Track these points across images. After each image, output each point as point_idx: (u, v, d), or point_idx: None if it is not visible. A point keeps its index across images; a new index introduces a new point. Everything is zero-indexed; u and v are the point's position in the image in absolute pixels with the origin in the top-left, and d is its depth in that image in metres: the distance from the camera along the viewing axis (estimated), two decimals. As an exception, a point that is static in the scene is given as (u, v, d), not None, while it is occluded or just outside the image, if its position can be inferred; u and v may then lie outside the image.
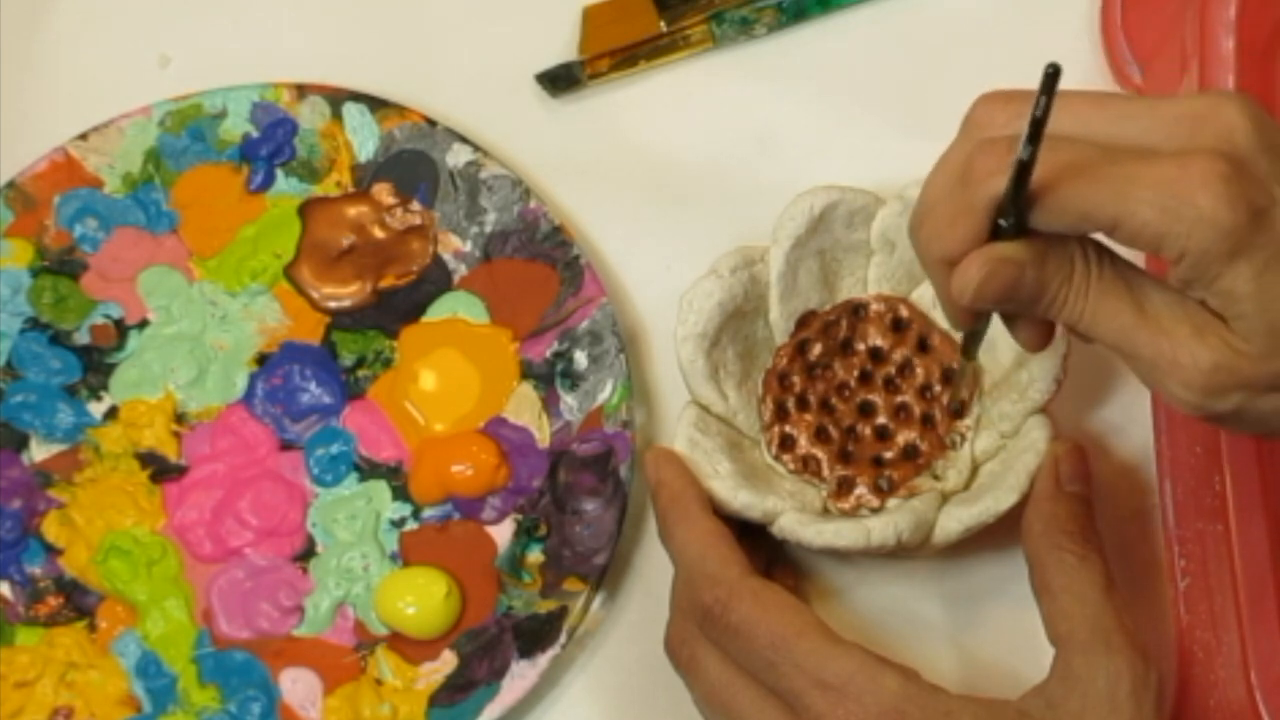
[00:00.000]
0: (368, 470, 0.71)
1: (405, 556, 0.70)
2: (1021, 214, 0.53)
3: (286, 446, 0.71)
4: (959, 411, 0.67)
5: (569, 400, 0.71)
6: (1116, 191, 0.52)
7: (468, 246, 0.73)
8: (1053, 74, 0.51)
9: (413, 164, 0.74)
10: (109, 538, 0.70)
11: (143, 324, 0.73)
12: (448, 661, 0.68)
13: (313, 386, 0.72)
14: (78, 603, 0.69)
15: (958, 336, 0.67)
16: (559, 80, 0.76)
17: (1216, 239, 0.51)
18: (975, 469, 0.67)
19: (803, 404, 0.68)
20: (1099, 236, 0.55)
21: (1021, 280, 0.54)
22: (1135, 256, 0.56)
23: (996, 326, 0.60)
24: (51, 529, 0.70)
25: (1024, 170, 0.52)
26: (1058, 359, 0.65)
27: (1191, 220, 0.51)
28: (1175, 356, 0.54)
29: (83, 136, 0.75)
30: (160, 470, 0.71)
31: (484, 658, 0.68)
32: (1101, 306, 0.55)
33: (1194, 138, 0.53)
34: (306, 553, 0.70)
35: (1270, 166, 0.53)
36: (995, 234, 0.54)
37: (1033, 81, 0.51)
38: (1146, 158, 0.53)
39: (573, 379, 0.71)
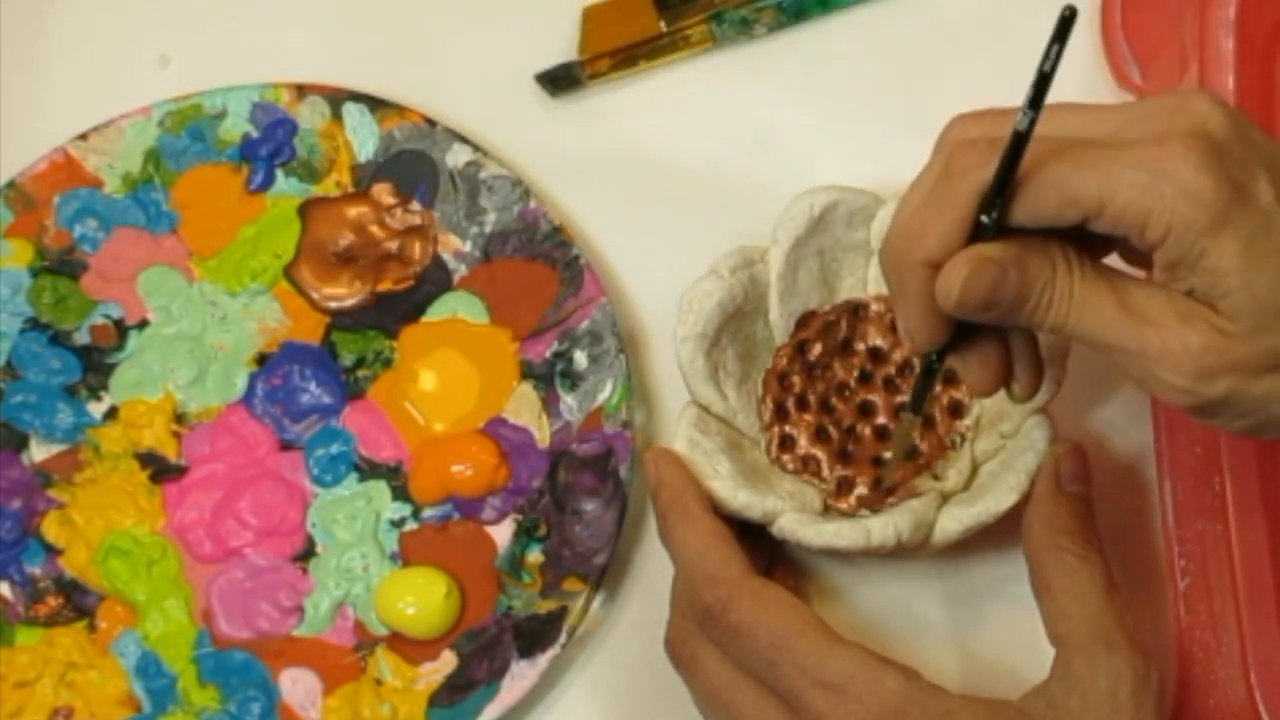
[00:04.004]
0: (368, 470, 0.71)
1: (405, 556, 0.70)
2: (1008, 200, 0.53)
3: (286, 446, 0.71)
4: (958, 411, 0.67)
5: (569, 400, 0.71)
6: (1099, 173, 0.52)
7: (468, 246, 0.73)
8: (1069, 17, 0.50)
9: (412, 164, 0.74)
10: (109, 538, 0.70)
11: (143, 324, 0.73)
12: (448, 661, 0.68)
13: (313, 386, 0.72)
14: (78, 603, 0.69)
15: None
16: (559, 80, 0.76)
17: (1200, 211, 0.52)
18: (975, 469, 0.67)
19: (802, 404, 0.68)
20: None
21: (1005, 282, 0.54)
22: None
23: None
24: (51, 529, 0.70)
25: (1020, 143, 0.52)
26: (1058, 359, 0.65)
27: (1174, 194, 0.52)
28: (1164, 344, 0.53)
29: (83, 136, 0.75)
30: (160, 470, 0.71)
31: (484, 658, 0.68)
32: (1086, 305, 0.55)
33: (1169, 126, 0.53)
34: (306, 553, 0.70)
35: (1245, 152, 0.53)
36: (975, 238, 0.54)
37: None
38: (1125, 144, 0.53)
39: (573, 379, 0.71)
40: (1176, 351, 0.53)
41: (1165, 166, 0.52)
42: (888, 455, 0.67)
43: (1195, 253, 0.52)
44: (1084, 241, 0.55)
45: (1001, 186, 0.53)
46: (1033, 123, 0.52)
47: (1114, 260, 0.57)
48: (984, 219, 0.54)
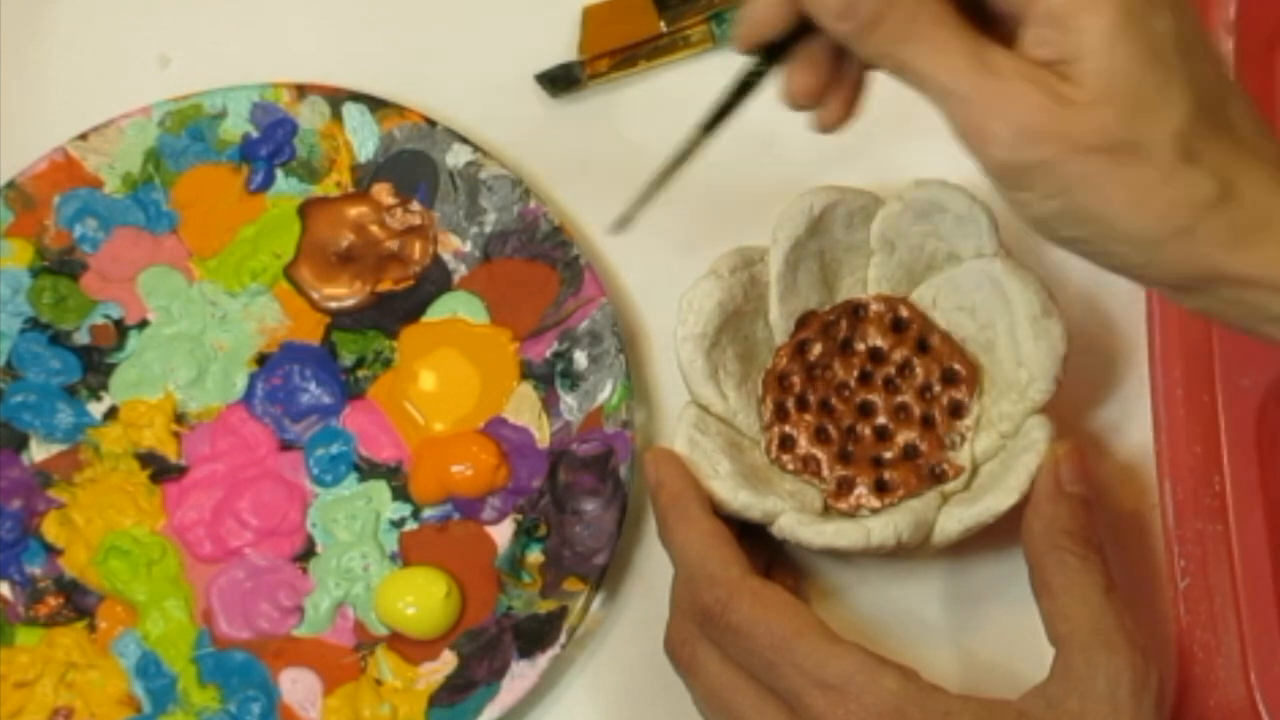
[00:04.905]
0: (368, 470, 0.71)
1: (405, 556, 0.70)
2: None
3: (286, 446, 0.71)
4: (958, 411, 0.67)
5: (569, 400, 0.71)
6: None
7: (468, 246, 0.73)
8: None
9: (412, 164, 0.74)
10: (109, 538, 0.70)
11: (143, 324, 0.73)
12: (448, 661, 0.68)
13: (313, 386, 0.72)
14: (78, 603, 0.69)
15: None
16: (559, 80, 0.76)
17: None
18: (975, 469, 0.67)
19: (802, 404, 0.68)
20: None
21: None
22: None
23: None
24: (51, 529, 0.70)
25: None
26: (1058, 359, 0.65)
27: None
28: (1002, 92, 0.52)
29: (83, 136, 0.75)
30: (160, 470, 0.71)
31: (484, 658, 0.68)
32: (939, 44, 0.53)
33: None
34: (306, 553, 0.70)
35: None
36: None
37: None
38: None
39: (573, 379, 0.71)
40: (1012, 102, 0.52)
41: None
42: (888, 455, 0.67)
43: (1077, 4, 0.51)
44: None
45: None
46: None
47: None
48: None
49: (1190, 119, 0.52)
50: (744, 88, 0.59)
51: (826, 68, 0.57)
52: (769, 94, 0.76)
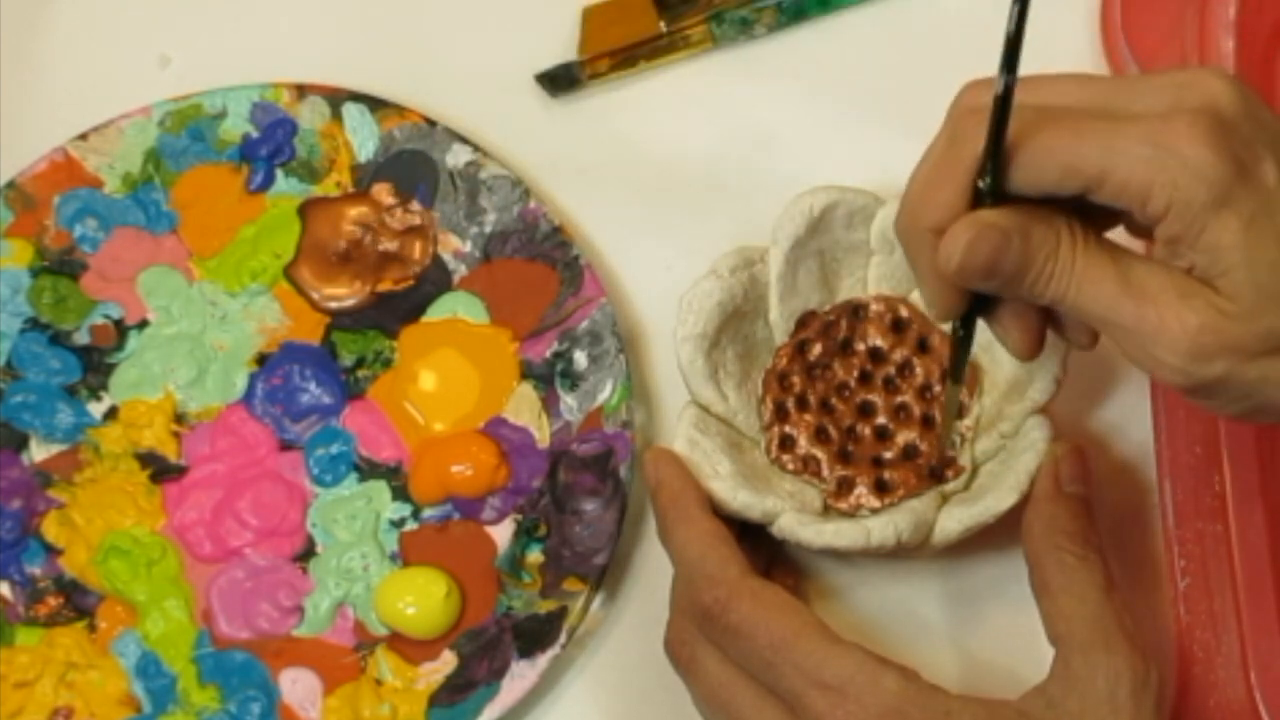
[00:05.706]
0: (368, 470, 0.71)
1: (405, 556, 0.70)
2: (1002, 161, 0.53)
3: (286, 446, 0.71)
4: (958, 412, 0.67)
5: (569, 400, 0.71)
6: (1102, 144, 0.52)
7: (467, 246, 0.73)
8: None
9: (412, 164, 0.74)
10: (109, 538, 0.70)
11: (143, 324, 0.73)
12: (447, 661, 0.68)
13: (312, 386, 0.72)
14: (78, 603, 0.69)
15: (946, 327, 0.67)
16: (559, 80, 0.76)
17: (1203, 188, 0.52)
18: (975, 469, 0.67)
19: (802, 404, 0.68)
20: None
21: (1007, 248, 0.54)
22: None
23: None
24: (51, 529, 0.70)
25: (1003, 105, 0.52)
26: (1058, 359, 0.65)
27: (1177, 169, 0.52)
28: (1161, 320, 0.53)
29: (83, 136, 0.75)
30: (160, 470, 0.71)
31: (484, 658, 0.68)
32: (1087, 278, 0.54)
33: (1178, 102, 0.53)
34: (306, 553, 0.70)
35: (1253, 132, 0.53)
36: (977, 205, 0.54)
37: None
38: (1131, 117, 0.53)
39: (573, 379, 0.71)
40: (1174, 330, 0.53)
41: (1169, 141, 0.52)
42: (888, 455, 0.67)
43: (1196, 229, 0.52)
44: (1087, 214, 0.55)
45: (992, 152, 0.53)
46: (1008, 86, 0.52)
47: (1119, 235, 0.56)
48: (980, 184, 0.54)
49: None
50: (961, 342, 0.60)
51: (1032, 316, 0.58)
52: (768, 93, 0.76)
